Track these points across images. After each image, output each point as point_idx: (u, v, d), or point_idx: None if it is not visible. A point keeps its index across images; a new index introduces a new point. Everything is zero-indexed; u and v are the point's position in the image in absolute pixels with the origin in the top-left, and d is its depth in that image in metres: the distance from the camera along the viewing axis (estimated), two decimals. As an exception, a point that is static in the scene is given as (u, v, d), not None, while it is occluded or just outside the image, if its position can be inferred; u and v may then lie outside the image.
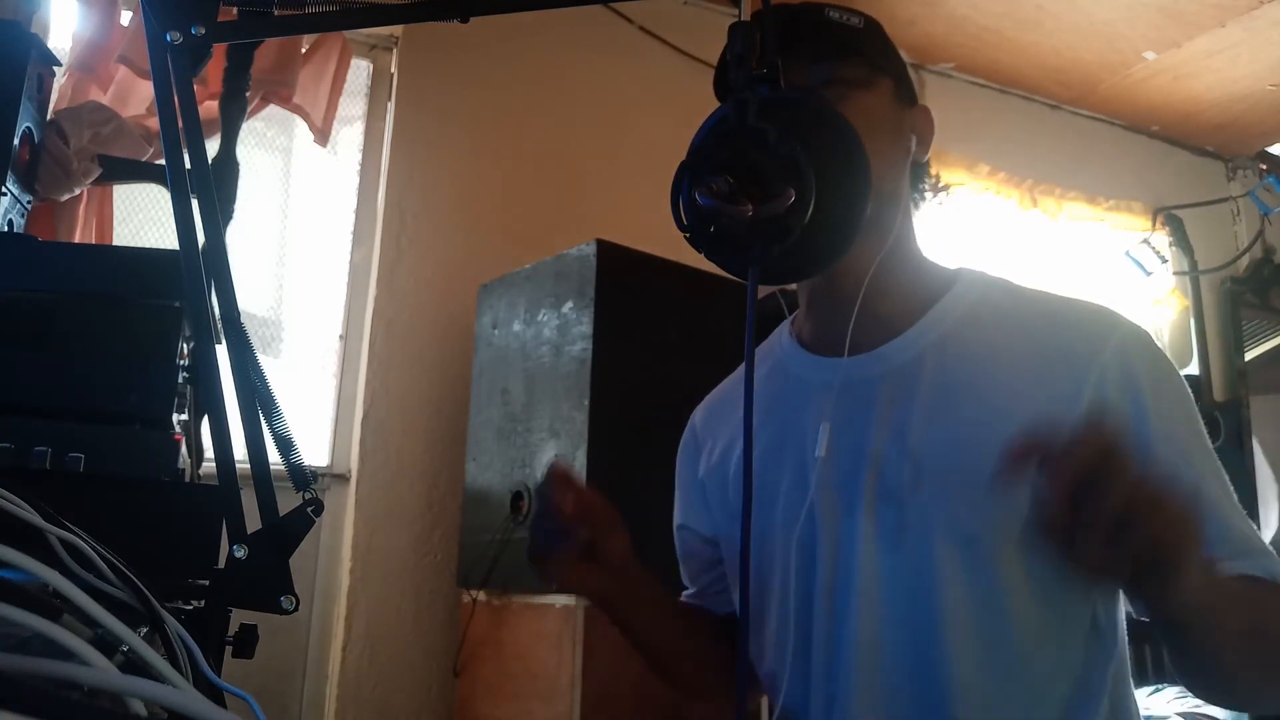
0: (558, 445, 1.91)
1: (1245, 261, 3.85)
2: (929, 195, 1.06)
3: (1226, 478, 0.89)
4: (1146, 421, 0.87)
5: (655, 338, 1.99)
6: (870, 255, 0.95)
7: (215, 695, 0.55)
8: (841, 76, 0.93)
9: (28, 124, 1.06)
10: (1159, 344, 0.94)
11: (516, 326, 2.14)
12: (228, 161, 0.97)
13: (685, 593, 1.18)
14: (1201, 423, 0.91)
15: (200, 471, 1.02)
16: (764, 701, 1.43)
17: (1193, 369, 3.55)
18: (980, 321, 0.95)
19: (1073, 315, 0.94)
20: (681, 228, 0.78)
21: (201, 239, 0.74)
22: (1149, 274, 3.54)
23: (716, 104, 0.83)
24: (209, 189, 0.74)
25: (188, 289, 0.73)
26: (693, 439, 1.16)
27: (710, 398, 1.18)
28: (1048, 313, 0.95)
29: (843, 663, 0.91)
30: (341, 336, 2.54)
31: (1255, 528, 0.88)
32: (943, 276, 1.01)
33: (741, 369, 1.13)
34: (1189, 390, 0.92)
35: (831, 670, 0.92)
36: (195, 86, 0.75)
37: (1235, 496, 0.89)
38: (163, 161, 0.77)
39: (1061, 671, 0.89)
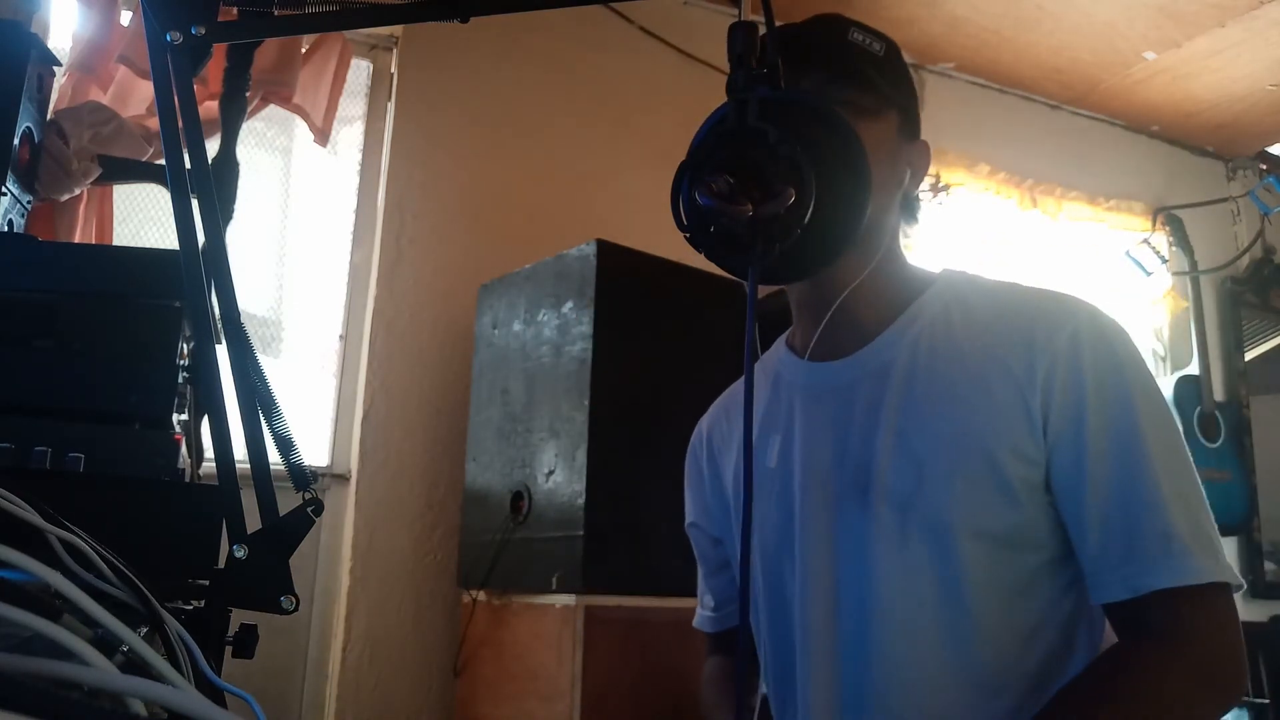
0: (558, 445, 1.91)
1: (1245, 261, 3.85)
2: (916, 225, 1.06)
3: (1189, 470, 0.87)
4: (1083, 416, 0.87)
5: (655, 338, 1.99)
6: (854, 271, 0.97)
7: (215, 695, 0.55)
8: (852, 101, 0.93)
9: (28, 124, 1.06)
10: (1122, 335, 0.91)
11: (516, 326, 2.14)
12: (228, 161, 0.97)
13: (704, 609, 1.18)
14: (1165, 412, 0.89)
15: (200, 471, 1.02)
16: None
17: (1193, 369, 3.54)
18: (950, 323, 0.96)
19: (1035, 306, 0.93)
20: (681, 227, 0.79)
21: (201, 239, 0.74)
22: (1149, 274, 3.54)
23: (716, 104, 0.83)
24: (209, 189, 0.74)
25: (188, 289, 0.73)
26: (699, 441, 1.18)
27: (716, 403, 1.19)
28: (1013, 307, 0.95)
29: (805, 657, 0.93)
30: (341, 336, 2.54)
31: (1211, 523, 0.86)
32: (922, 281, 1.01)
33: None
34: (1149, 381, 0.90)
35: (830, 671, 0.92)
36: (195, 86, 0.75)
37: (1199, 490, 0.87)
38: (163, 161, 0.76)
39: (1045, 674, 0.89)
